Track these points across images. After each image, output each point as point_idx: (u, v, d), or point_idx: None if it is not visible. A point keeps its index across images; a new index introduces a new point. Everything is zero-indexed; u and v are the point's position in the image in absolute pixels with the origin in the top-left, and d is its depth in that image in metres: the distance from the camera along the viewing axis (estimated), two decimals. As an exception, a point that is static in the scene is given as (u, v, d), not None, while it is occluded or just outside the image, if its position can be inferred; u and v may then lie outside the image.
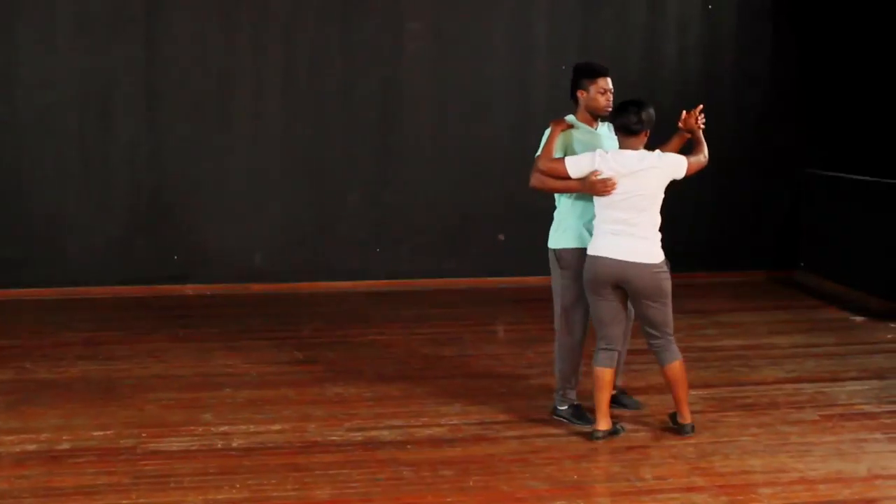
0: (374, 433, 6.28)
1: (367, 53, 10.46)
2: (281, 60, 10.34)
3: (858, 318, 9.43)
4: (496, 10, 10.70)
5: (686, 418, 6.28)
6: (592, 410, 6.31)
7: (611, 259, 6.05)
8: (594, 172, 6.03)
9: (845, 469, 5.79)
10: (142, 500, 5.25)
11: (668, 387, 6.31)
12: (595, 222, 6.17)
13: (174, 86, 10.16)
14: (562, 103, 10.57)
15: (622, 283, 6.10)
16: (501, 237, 10.79)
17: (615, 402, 6.58)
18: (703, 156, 6.32)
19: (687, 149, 6.39)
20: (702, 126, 6.38)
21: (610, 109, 6.33)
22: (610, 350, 6.23)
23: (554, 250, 6.45)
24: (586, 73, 6.41)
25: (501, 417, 6.59)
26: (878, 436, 6.31)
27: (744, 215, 11.21)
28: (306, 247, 10.56)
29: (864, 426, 6.48)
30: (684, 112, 6.40)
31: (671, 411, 6.42)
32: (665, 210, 6.23)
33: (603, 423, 6.20)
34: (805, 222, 11.17)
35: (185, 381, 7.38)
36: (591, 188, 6.05)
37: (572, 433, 6.30)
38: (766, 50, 11.16)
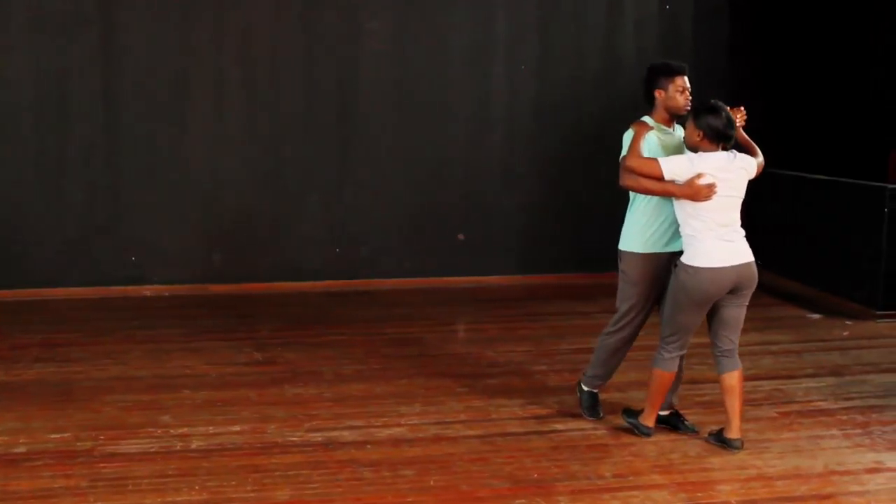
0: (334, 434, 6.26)
1: (327, 53, 10.44)
2: (239, 60, 10.30)
3: (814, 316, 9.51)
4: (455, 10, 10.70)
5: (737, 432, 6.07)
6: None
7: (731, 267, 5.84)
8: (699, 176, 5.78)
9: (802, 465, 5.84)
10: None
11: (724, 395, 6.11)
12: (693, 231, 5.88)
13: (131, 86, 10.08)
14: (520, 103, 10.72)
15: (739, 287, 5.95)
16: (462, 237, 10.80)
17: (668, 423, 6.46)
18: (761, 157, 6.15)
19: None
20: (742, 124, 6.16)
21: (689, 108, 6.13)
22: (681, 356, 6.23)
23: (619, 251, 6.36)
24: (665, 72, 6.19)
25: (462, 417, 6.59)
26: (834, 432, 6.37)
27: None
28: (265, 247, 10.52)
29: (821, 423, 6.55)
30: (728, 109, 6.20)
31: (713, 430, 6.25)
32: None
33: (653, 422, 6.26)
34: (761, 220, 11.23)
35: (143, 382, 7.32)
36: (697, 193, 5.77)
37: (531, 432, 6.31)
38: (723, 49, 11.24)
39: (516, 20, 10.78)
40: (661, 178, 5.86)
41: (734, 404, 6.06)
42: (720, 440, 6.11)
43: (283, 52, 10.37)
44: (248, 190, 10.44)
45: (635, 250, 6.23)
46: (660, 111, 6.22)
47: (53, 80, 9.93)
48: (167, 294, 10.21)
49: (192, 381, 7.32)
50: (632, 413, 6.41)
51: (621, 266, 6.34)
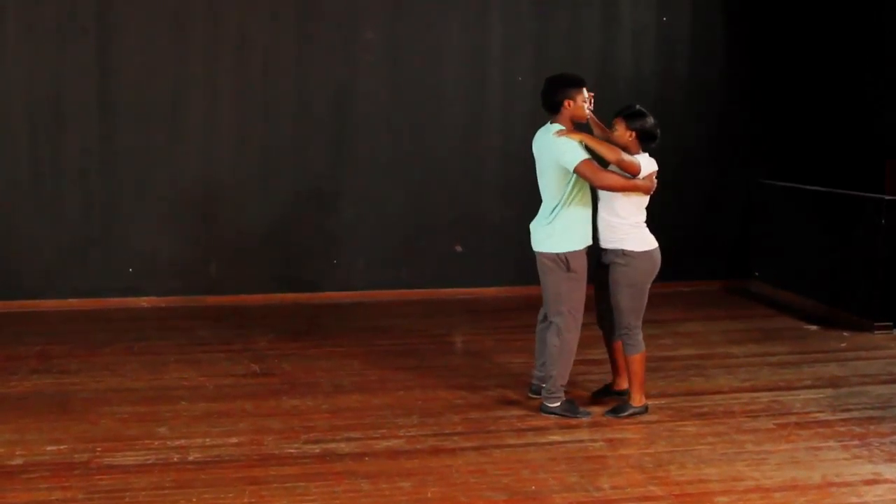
0: (331, 445, 6.25)
1: (322, 63, 10.45)
2: (234, 69, 10.30)
3: (812, 327, 9.52)
4: (451, 19, 10.71)
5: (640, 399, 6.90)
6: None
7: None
8: (655, 172, 6.57)
9: (800, 477, 5.83)
10: (96, 516, 5.21)
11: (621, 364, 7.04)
12: (639, 221, 6.66)
13: (126, 95, 10.07)
14: (516, 114, 10.72)
15: None
16: (459, 248, 10.79)
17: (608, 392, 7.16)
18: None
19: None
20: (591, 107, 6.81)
21: (589, 117, 6.75)
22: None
23: (558, 254, 6.63)
24: (575, 83, 6.62)
25: (459, 429, 6.59)
26: (832, 444, 6.37)
27: (698, 225, 11.28)
28: (262, 258, 10.51)
29: (819, 434, 6.54)
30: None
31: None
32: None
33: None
34: (758, 232, 11.27)
35: (140, 394, 7.31)
36: (652, 187, 6.56)
37: (529, 444, 6.30)
38: (720, 60, 11.26)
39: (512, 31, 10.79)
40: (636, 174, 6.46)
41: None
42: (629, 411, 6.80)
43: (278, 61, 10.37)
44: (244, 201, 10.43)
45: (581, 248, 6.66)
46: (565, 119, 6.63)
47: (48, 90, 9.92)
48: (164, 305, 10.21)
49: (189, 393, 7.31)
50: (621, 408, 6.79)
51: (570, 266, 6.64)
